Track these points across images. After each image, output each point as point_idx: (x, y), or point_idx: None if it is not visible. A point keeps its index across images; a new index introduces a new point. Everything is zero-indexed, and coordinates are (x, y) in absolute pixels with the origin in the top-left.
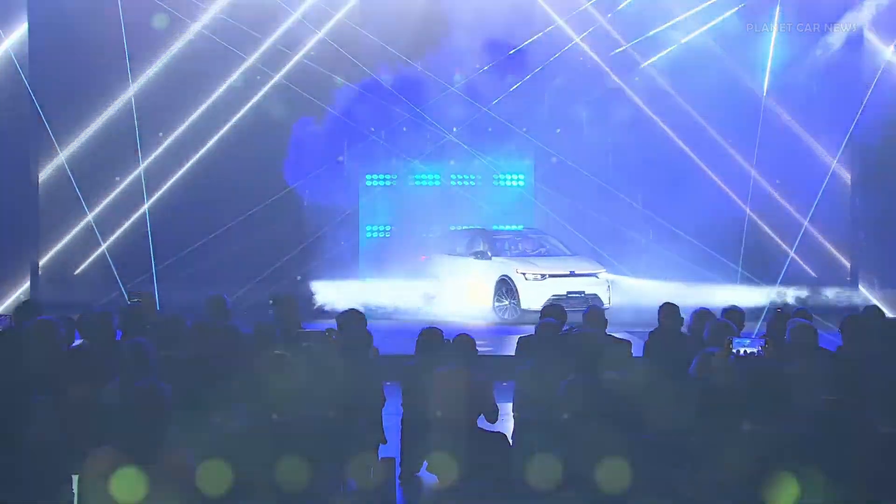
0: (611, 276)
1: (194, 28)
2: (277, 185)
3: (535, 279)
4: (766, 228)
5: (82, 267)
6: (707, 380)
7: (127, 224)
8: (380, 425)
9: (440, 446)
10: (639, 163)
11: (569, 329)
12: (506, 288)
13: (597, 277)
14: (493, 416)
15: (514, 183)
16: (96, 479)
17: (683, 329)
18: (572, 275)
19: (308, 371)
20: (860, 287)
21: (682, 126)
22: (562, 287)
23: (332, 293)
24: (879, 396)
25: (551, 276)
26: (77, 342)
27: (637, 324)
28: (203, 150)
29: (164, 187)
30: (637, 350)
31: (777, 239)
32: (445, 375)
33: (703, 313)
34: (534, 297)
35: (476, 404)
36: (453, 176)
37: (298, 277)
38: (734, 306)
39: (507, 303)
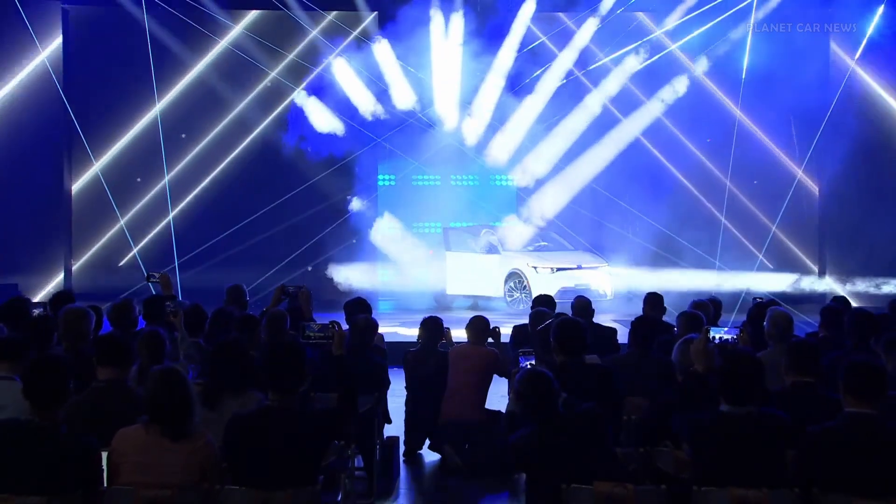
0: (613, 269)
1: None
2: (292, 183)
3: (546, 272)
4: (738, 234)
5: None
6: (686, 364)
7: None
8: (385, 406)
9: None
10: (620, 166)
11: (558, 316)
12: (517, 281)
13: (600, 270)
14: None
15: (507, 183)
16: (124, 456)
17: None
18: (579, 268)
19: (315, 357)
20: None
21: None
22: (570, 279)
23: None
24: (845, 378)
25: (560, 269)
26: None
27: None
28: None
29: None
30: (623, 337)
31: (747, 244)
32: (463, 350)
33: (701, 303)
34: (544, 289)
35: (492, 370)
36: (453, 177)
37: (309, 268)
38: (713, 297)
39: (518, 295)
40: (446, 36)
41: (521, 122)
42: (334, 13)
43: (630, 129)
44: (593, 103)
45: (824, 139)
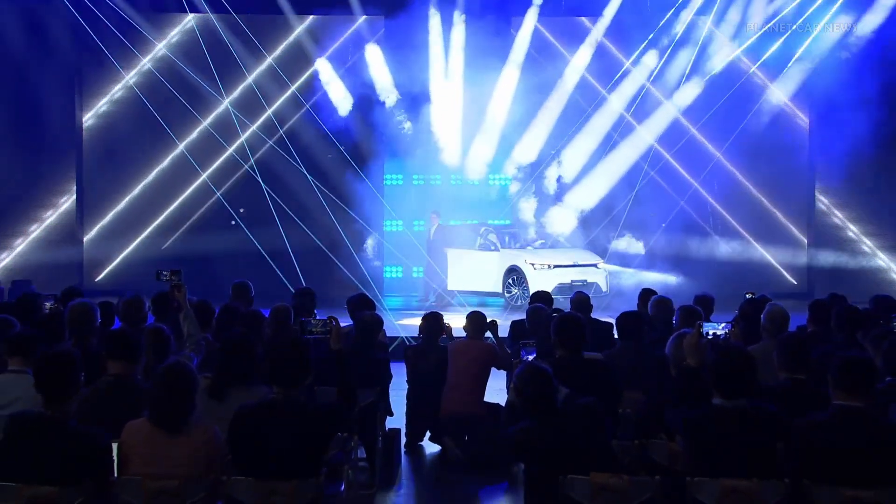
0: (608, 266)
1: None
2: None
3: (543, 269)
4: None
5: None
6: (680, 358)
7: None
8: (387, 400)
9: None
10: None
11: (555, 312)
12: (515, 277)
13: (597, 267)
14: (508, 367)
15: (502, 182)
16: (133, 448)
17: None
18: (576, 265)
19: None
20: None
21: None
22: (567, 276)
23: None
24: (836, 374)
25: (557, 266)
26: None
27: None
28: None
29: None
30: None
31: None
32: (462, 344)
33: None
34: (542, 285)
35: (490, 363)
36: (453, 176)
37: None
38: (705, 293)
39: (516, 291)
40: (446, 53)
41: (538, 131)
42: (337, 16)
43: (664, 116)
44: (614, 103)
45: None
